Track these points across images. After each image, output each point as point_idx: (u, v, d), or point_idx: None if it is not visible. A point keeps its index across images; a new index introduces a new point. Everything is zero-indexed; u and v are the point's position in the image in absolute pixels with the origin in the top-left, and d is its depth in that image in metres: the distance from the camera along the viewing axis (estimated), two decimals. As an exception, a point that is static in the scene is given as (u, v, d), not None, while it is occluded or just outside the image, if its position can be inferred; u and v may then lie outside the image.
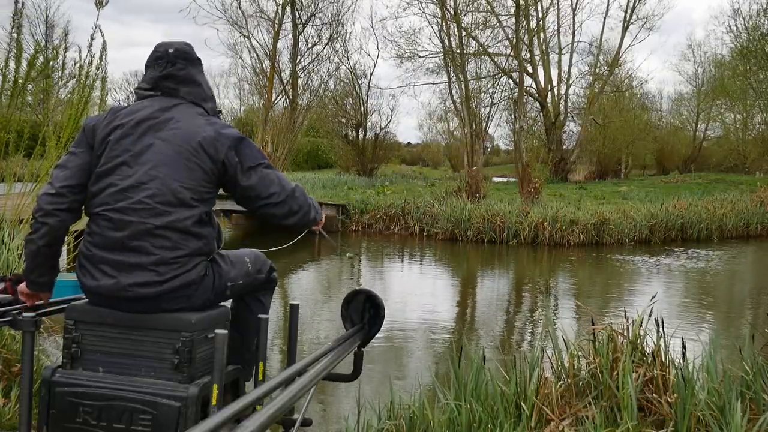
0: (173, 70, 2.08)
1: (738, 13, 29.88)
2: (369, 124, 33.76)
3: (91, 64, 5.39)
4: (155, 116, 2.00)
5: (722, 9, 48.42)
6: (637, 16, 28.72)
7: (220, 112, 2.26)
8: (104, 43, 5.38)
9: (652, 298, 3.68)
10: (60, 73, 5.83)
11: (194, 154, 1.95)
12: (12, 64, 5.18)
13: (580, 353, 3.54)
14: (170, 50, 2.10)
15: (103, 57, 5.36)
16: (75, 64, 5.54)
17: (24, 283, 2.12)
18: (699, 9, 69.61)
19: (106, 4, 5.40)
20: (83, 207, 2.02)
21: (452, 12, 20.18)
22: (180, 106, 2.05)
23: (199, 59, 2.17)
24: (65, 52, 5.70)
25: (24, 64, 5.21)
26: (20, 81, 5.19)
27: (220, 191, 2.09)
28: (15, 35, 5.09)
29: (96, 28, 5.31)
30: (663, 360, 3.30)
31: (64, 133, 5.25)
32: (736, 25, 30.42)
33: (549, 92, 28.01)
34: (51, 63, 5.69)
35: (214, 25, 26.53)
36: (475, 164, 18.96)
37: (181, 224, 1.91)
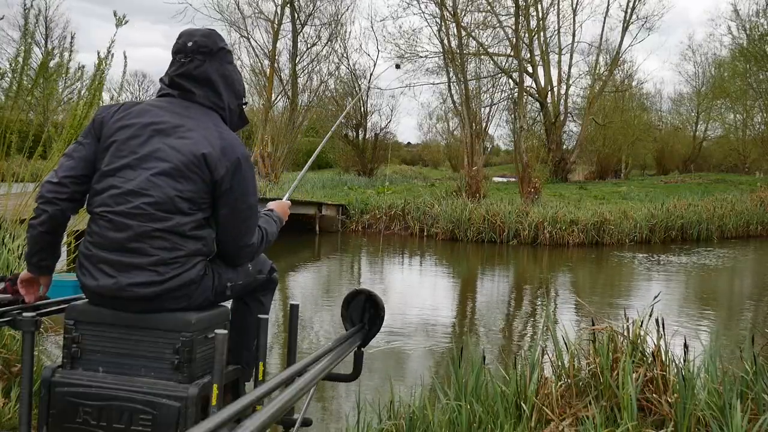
0: (189, 68, 2.02)
1: (737, 14, 29.90)
2: (369, 124, 33.81)
3: (98, 68, 5.39)
4: (166, 120, 1.97)
5: (719, 10, 48.40)
6: (637, 16, 28.78)
7: (246, 103, 2.21)
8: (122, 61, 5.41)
9: (655, 297, 3.67)
10: (60, 74, 5.84)
11: (197, 165, 1.93)
12: (11, 64, 5.19)
13: (580, 353, 3.54)
14: (189, 43, 2.03)
15: (107, 62, 5.37)
16: (81, 68, 5.56)
17: (24, 272, 2.12)
18: (696, 9, 69.69)
19: (126, 23, 5.40)
20: (85, 203, 2.02)
21: (452, 12, 20.17)
22: (194, 111, 2.02)
23: (222, 49, 2.07)
24: (63, 53, 5.72)
25: (26, 64, 5.22)
26: (25, 83, 5.20)
27: None
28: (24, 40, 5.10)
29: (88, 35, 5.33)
30: (663, 360, 3.30)
31: (66, 135, 5.26)
32: (735, 26, 30.46)
33: (549, 92, 28.03)
34: (54, 66, 5.70)
35: (212, 26, 26.46)
36: (475, 164, 18.95)
37: (180, 229, 1.91)
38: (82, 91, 5.48)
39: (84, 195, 2.01)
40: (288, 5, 22.23)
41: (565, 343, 3.61)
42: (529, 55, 25.02)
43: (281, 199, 2.59)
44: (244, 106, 2.21)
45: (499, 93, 26.72)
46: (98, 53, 5.42)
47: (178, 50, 2.04)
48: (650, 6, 47.26)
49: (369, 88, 32.06)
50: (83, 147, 2.02)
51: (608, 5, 30.92)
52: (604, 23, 30.17)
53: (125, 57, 5.51)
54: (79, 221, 3.62)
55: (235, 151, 1.99)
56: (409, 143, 52.56)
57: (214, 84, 2.05)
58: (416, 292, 9.84)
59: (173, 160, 1.92)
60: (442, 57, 22.16)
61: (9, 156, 5.37)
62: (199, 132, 1.96)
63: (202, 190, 1.94)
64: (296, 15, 22.64)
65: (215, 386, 1.77)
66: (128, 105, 2.05)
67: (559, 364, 3.51)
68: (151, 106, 2.03)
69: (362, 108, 33.20)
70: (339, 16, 24.44)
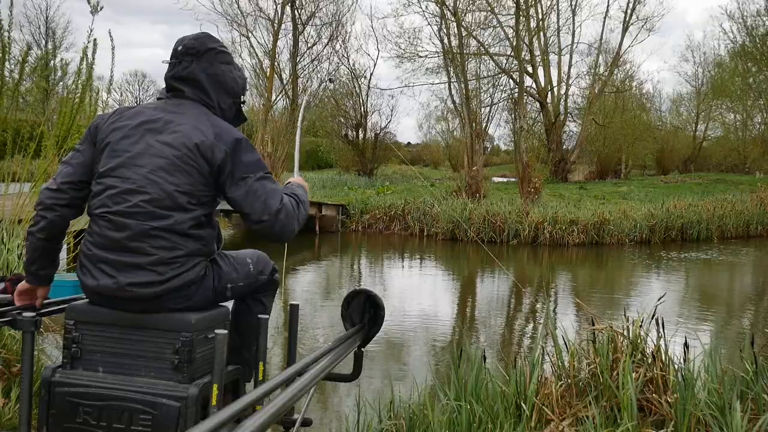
0: (178, 70, 2.07)
1: (738, 14, 29.90)
2: (369, 124, 33.80)
3: (84, 62, 5.38)
4: (158, 118, 2.00)
5: (719, 10, 48.37)
6: (637, 17, 28.75)
7: (243, 102, 2.21)
8: (95, 41, 5.39)
9: (659, 298, 3.67)
10: (55, 73, 5.83)
11: (192, 157, 1.94)
12: (8, 65, 5.18)
13: (580, 353, 3.54)
14: (179, 47, 2.08)
15: (90, 55, 5.34)
16: (66, 63, 5.55)
17: (22, 282, 2.13)
18: (693, 11, 69.68)
19: (101, 9, 5.40)
20: (85, 205, 2.03)
21: (452, 11, 20.18)
22: (185, 106, 2.04)
23: (211, 49, 2.09)
24: (56, 51, 5.71)
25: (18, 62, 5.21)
26: (15, 79, 5.19)
27: None
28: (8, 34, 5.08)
29: (90, 31, 5.33)
30: (663, 360, 3.30)
31: (60, 132, 5.26)
32: (735, 26, 30.47)
33: (549, 92, 28.02)
34: (49, 62, 5.69)
35: (214, 22, 26.47)
36: (475, 164, 18.95)
37: (179, 227, 1.91)
38: (71, 85, 5.46)
39: (83, 201, 2.03)
40: (288, 4, 22.22)
41: (565, 343, 3.61)
42: (529, 55, 25.02)
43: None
44: (242, 105, 2.21)
45: (499, 93, 26.75)
46: (84, 43, 5.41)
47: (171, 55, 2.10)
48: (650, 7, 47.23)
49: (369, 88, 32.04)
50: (80, 153, 2.05)
51: (608, 6, 30.96)
52: (603, 24, 30.17)
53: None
54: (76, 221, 3.61)
55: (231, 134, 2.00)
56: (409, 143, 52.58)
57: (200, 83, 2.07)
58: (416, 292, 9.83)
59: (167, 155, 1.93)
60: (442, 57, 22.17)
61: (6, 156, 5.37)
62: (190, 124, 1.98)
63: (200, 182, 1.95)
64: (297, 14, 22.64)
65: (215, 386, 1.77)
66: (122, 109, 2.09)
67: (559, 364, 3.51)
68: (145, 107, 2.06)
69: (362, 108, 33.20)
70: (340, 16, 24.44)
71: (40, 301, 2.15)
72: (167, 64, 2.10)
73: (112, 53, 5.49)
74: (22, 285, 2.12)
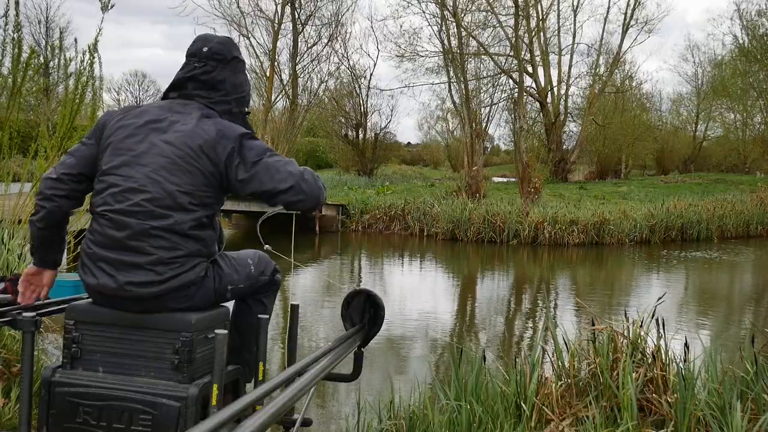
0: (201, 72, 2.05)
1: (739, 14, 29.90)
2: (369, 124, 33.82)
3: (84, 62, 5.39)
4: (163, 118, 1.99)
5: (720, 9, 48.25)
6: (636, 21, 28.73)
7: (248, 113, 2.20)
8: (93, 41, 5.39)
9: (659, 299, 3.67)
10: (56, 72, 5.84)
11: (194, 157, 1.94)
12: (8, 62, 5.19)
13: (580, 353, 3.54)
14: (204, 48, 2.06)
15: (94, 54, 5.34)
16: (69, 61, 5.55)
17: (30, 266, 2.13)
18: (693, 11, 69.69)
19: (112, 7, 5.41)
20: (85, 198, 2.04)
21: (452, 12, 20.19)
22: (191, 107, 2.03)
23: (235, 58, 2.10)
24: (59, 51, 5.71)
25: (21, 63, 5.21)
26: (18, 80, 5.20)
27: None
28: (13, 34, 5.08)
29: (99, 30, 5.33)
30: (663, 360, 3.30)
31: (59, 131, 5.26)
32: (737, 26, 30.48)
33: (549, 92, 28.01)
34: (49, 62, 5.69)
35: (213, 24, 26.40)
36: (475, 164, 18.95)
37: (179, 227, 1.91)
38: (71, 84, 5.47)
39: (82, 194, 2.04)
40: (288, 4, 22.23)
41: (565, 343, 3.61)
42: (529, 55, 25.03)
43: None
44: (247, 115, 2.21)
45: (499, 93, 26.79)
46: (88, 47, 5.41)
47: (193, 53, 2.08)
48: (649, 10, 47.07)
49: (369, 88, 31.98)
50: (85, 147, 2.06)
51: (608, 8, 30.95)
52: (604, 25, 30.10)
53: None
54: (76, 221, 3.61)
55: (235, 131, 2.00)
56: (409, 143, 52.57)
57: (221, 90, 2.07)
58: (416, 292, 9.83)
59: (169, 155, 1.93)
60: (442, 57, 22.18)
61: (5, 156, 5.37)
62: (194, 124, 1.98)
63: (202, 183, 1.95)
64: (297, 14, 22.64)
65: (215, 386, 1.77)
66: (129, 108, 2.09)
67: (559, 364, 3.51)
68: (150, 107, 2.06)
69: (362, 108, 33.22)
70: (340, 16, 24.45)
71: (46, 290, 2.14)
72: (184, 63, 2.09)
73: (98, 60, 5.50)
74: (30, 268, 2.12)
